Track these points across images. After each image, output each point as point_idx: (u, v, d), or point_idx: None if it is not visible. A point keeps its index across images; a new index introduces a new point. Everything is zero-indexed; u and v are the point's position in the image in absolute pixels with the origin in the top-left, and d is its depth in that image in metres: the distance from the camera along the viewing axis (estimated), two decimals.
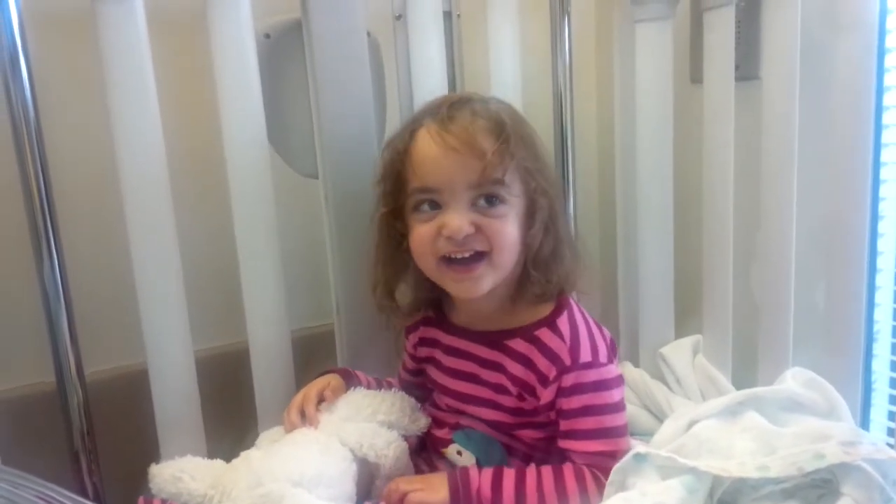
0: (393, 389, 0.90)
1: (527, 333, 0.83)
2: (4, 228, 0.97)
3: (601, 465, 0.79)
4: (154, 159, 0.89)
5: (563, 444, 0.81)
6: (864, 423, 1.02)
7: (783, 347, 1.02)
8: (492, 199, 0.78)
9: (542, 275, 0.82)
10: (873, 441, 0.77)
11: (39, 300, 0.85)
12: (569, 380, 0.80)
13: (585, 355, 0.81)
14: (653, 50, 1.12)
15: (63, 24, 1.03)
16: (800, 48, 0.96)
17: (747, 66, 1.11)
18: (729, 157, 1.05)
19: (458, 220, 0.77)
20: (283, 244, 0.98)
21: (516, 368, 0.83)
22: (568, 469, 0.78)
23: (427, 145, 0.79)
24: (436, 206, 0.79)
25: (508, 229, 0.79)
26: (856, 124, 0.95)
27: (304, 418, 0.85)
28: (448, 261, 0.79)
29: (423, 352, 0.93)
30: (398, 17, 1.08)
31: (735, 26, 1.03)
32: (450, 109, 0.80)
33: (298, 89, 1.00)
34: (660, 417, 1.07)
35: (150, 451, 0.90)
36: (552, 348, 0.81)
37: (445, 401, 0.89)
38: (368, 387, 0.92)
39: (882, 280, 1.04)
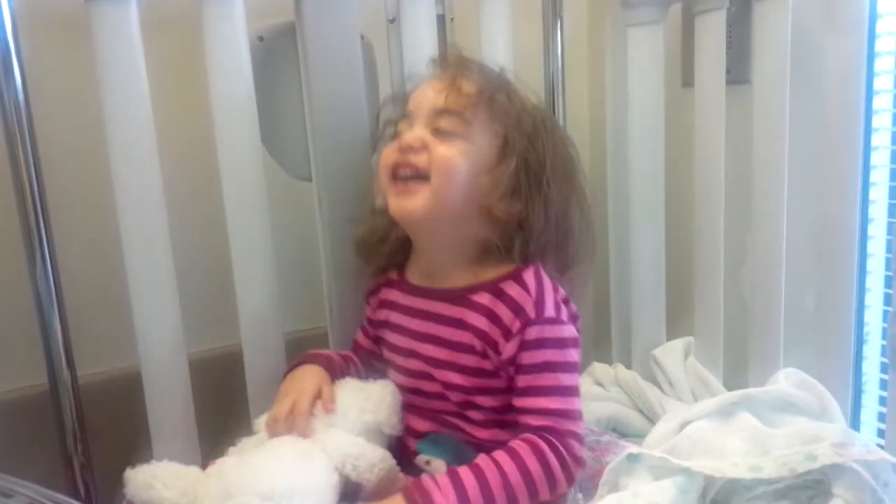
0: (382, 381, 0.87)
1: (492, 287, 0.83)
2: None
3: (557, 427, 0.77)
4: (147, 161, 0.88)
5: (519, 402, 0.80)
6: (855, 424, 1.03)
7: (774, 349, 1.02)
8: (444, 131, 0.81)
9: (522, 235, 0.83)
10: (865, 442, 0.78)
11: (32, 303, 0.85)
12: (532, 332, 0.79)
13: (550, 310, 0.81)
14: (644, 54, 1.13)
15: (56, 25, 1.02)
16: (790, 52, 0.97)
17: (738, 70, 1.12)
18: (720, 160, 1.06)
19: (408, 134, 0.82)
20: (276, 247, 0.98)
21: (480, 321, 0.82)
22: (525, 450, 0.76)
23: (421, 86, 0.86)
24: (399, 135, 0.85)
25: (451, 156, 0.81)
26: (846, 127, 0.95)
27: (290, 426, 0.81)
28: (394, 178, 0.83)
29: (383, 315, 0.92)
30: (392, 21, 1.08)
31: (726, 30, 1.04)
32: (460, 59, 0.87)
33: (292, 92, 1.00)
34: (652, 419, 1.08)
35: (143, 455, 0.89)
36: (517, 300, 0.81)
37: (407, 363, 0.87)
38: (341, 371, 0.89)
39: (872, 282, 1.05)
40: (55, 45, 1.03)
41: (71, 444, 0.87)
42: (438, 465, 0.83)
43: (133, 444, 0.91)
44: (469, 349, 0.82)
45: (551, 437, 0.77)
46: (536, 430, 0.77)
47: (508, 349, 0.80)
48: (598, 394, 1.17)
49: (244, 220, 0.95)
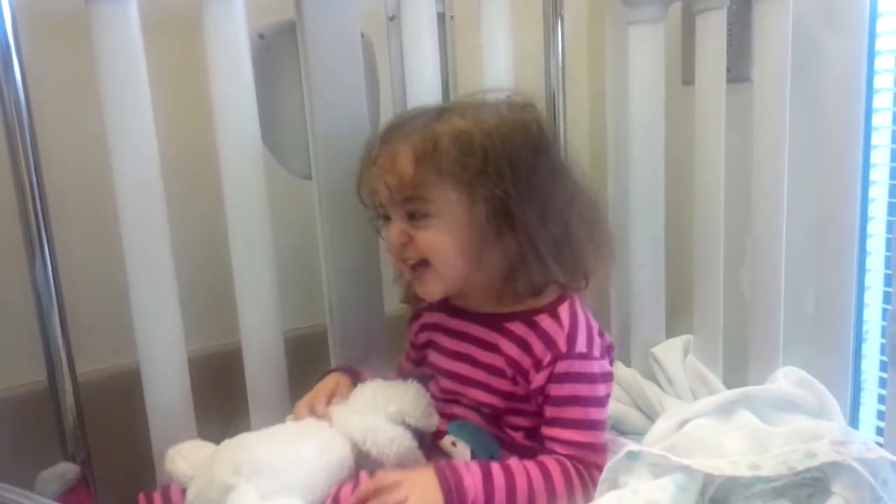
0: (409, 381, 0.89)
1: (526, 318, 0.84)
2: None
3: (583, 458, 0.80)
4: (147, 160, 0.88)
5: (547, 431, 0.82)
6: (854, 422, 1.03)
7: (773, 347, 1.03)
8: (415, 214, 0.82)
9: (522, 274, 0.82)
10: (864, 441, 0.78)
11: (32, 300, 0.85)
12: (562, 367, 0.81)
13: (581, 346, 0.82)
14: (645, 52, 1.13)
15: (56, 24, 1.02)
16: (791, 50, 0.97)
17: (739, 69, 1.12)
18: (720, 158, 1.06)
19: (390, 232, 0.83)
20: (276, 245, 0.98)
21: (512, 350, 0.84)
22: (554, 467, 0.78)
23: (375, 163, 0.85)
24: (389, 218, 0.85)
25: (437, 240, 0.81)
26: (846, 126, 0.96)
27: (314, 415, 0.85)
28: (409, 267, 0.84)
29: (423, 337, 0.93)
30: (392, 19, 1.08)
31: (727, 29, 1.04)
32: (388, 131, 0.85)
33: (292, 90, 1.00)
34: (651, 417, 1.07)
35: (142, 451, 0.90)
36: (550, 333, 0.82)
37: (442, 383, 0.90)
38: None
39: (871, 280, 1.05)
40: (55, 45, 1.03)
41: (70, 441, 0.87)
42: (463, 449, 0.85)
43: (132, 440, 0.91)
44: (501, 373, 0.84)
45: (579, 466, 0.79)
46: (564, 456, 0.80)
47: (538, 379, 0.82)
48: None
49: (244, 218, 0.95)
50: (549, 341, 0.82)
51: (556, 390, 0.81)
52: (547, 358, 0.81)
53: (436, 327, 0.92)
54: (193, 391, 0.94)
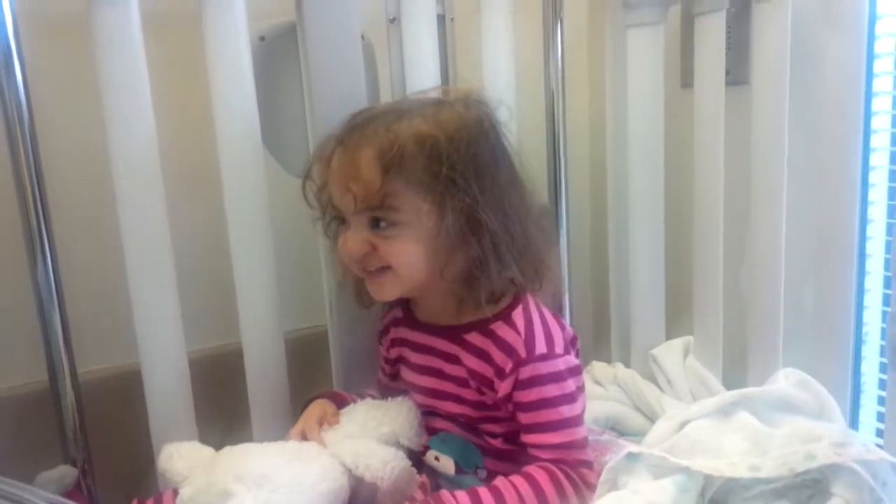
0: (399, 398, 0.90)
1: (483, 327, 0.83)
2: None
3: (567, 458, 0.79)
4: (148, 161, 0.88)
5: (526, 438, 0.81)
6: (854, 424, 1.03)
7: (773, 349, 1.03)
8: (379, 222, 0.80)
9: (484, 279, 0.81)
10: (864, 442, 0.78)
11: (32, 300, 0.85)
12: (525, 372, 0.80)
13: (541, 347, 0.81)
14: (644, 54, 1.13)
15: (57, 25, 1.02)
16: (790, 53, 0.98)
17: (737, 72, 1.12)
18: (719, 160, 1.06)
19: (351, 240, 0.81)
20: (276, 246, 0.98)
21: (472, 362, 0.83)
22: (542, 476, 0.77)
23: (332, 165, 0.82)
24: (344, 221, 0.83)
25: (403, 248, 0.80)
26: (845, 128, 0.96)
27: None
28: (365, 271, 0.83)
29: (395, 353, 0.93)
30: (392, 21, 1.08)
31: (726, 32, 1.04)
32: (350, 132, 0.82)
33: (292, 92, 1.00)
34: (651, 418, 1.08)
35: (143, 452, 0.90)
36: (508, 341, 0.81)
37: (417, 399, 0.90)
38: (353, 401, 0.92)
39: (871, 283, 1.05)
40: (56, 46, 1.03)
41: (71, 441, 0.87)
42: (447, 462, 0.86)
43: (133, 441, 0.91)
44: (466, 384, 0.84)
45: (565, 468, 0.79)
46: (548, 462, 0.79)
47: (503, 388, 0.81)
48: (597, 393, 1.17)
49: (244, 219, 0.96)
50: (508, 349, 0.81)
51: (524, 396, 0.80)
52: (508, 366, 0.80)
53: (403, 342, 0.91)
54: (194, 392, 0.95)
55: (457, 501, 0.74)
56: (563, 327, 0.85)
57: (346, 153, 0.80)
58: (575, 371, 0.83)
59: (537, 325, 0.83)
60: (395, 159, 0.78)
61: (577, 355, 0.86)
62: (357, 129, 0.82)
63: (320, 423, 0.86)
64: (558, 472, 0.78)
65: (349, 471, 0.78)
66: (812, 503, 0.76)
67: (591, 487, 0.79)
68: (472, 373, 0.83)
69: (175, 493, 0.78)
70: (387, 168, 0.78)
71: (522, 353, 0.80)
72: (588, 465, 0.81)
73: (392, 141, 0.78)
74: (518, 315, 0.83)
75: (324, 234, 0.90)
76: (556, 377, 0.81)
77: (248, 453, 0.78)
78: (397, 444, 0.84)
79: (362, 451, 0.79)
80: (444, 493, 0.76)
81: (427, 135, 0.79)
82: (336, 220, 0.86)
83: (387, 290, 0.83)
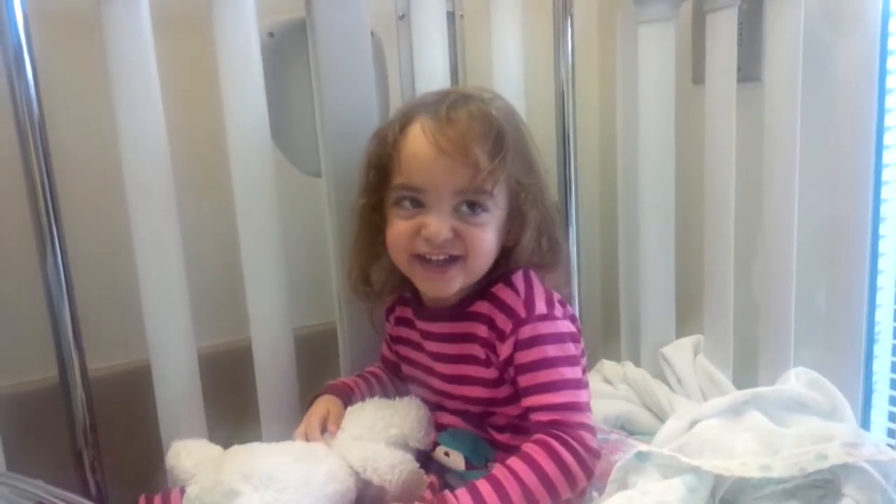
0: (408, 398, 0.89)
1: (485, 292, 0.83)
2: (8, 225, 0.98)
3: (565, 420, 0.77)
4: (158, 157, 0.89)
5: (526, 401, 0.80)
6: (865, 424, 1.02)
7: (784, 348, 1.02)
8: (474, 207, 0.79)
9: (515, 256, 0.84)
10: (875, 442, 0.77)
11: (43, 296, 0.85)
12: (525, 332, 0.79)
13: (541, 307, 0.81)
14: (655, 51, 1.13)
15: (68, 21, 1.03)
16: (802, 50, 0.97)
17: (749, 68, 1.11)
18: (730, 157, 1.05)
19: (437, 224, 0.78)
20: (285, 242, 0.98)
21: (482, 330, 0.83)
22: (539, 453, 0.75)
23: (419, 143, 0.78)
24: (418, 204, 0.80)
25: (486, 237, 0.80)
26: (858, 126, 0.95)
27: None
28: (422, 260, 0.80)
29: (401, 331, 0.93)
30: (401, 17, 1.08)
31: (737, 28, 1.04)
32: (449, 109, 0.79)
33: (302, 88, 1.00)
34: (661, 417, 1.07)
35: (152, 449, 0.90)
36: (508, 303, 0.81)
37: (426, 392, 0.89)
38: (363, 392, 0.92)
39: (883, 281, 1.05)
40: (67, 42, 1.04)
41: (81, 437, 0.87)
42: (457, 458, 0.85)
43: (142, 437, 0.91)
44: (477, 360, 0.83)
45: (562, 434, 0.76)
46: (546, 426, 0.77)
47: (504, 350, 0.80)
48: (606, 391, 1.17)
49: (254, 216, 0.96)
50: (508, 310, 0.81)
51: (523, 357, 0.79)
52: (509, 327, 0.80)
53: (410, 324, 0.91)
54: (203, 388, 0.95)
55: (458, 501, 0.73)
56: (562, 302, 0.85)
57: (449, 127, 0.77)
58: (575, 337, 0.82)
59: (537, 288, 0.83)
60: (504, 143, 0.78)
61: (582, 354, 0.85)
62: (454, 105, 0.79)
63: (323, 425, 0.86)
64: (556, 444, 0.75)
65: (356, 473, 0.78)
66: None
67: (594, 452, 0.77)
68: (483, 341, 0.82)
69: (183, 490, 0.78)
70: (492, 151, 0.77)
71: (522, 312, 0.80)
72: (589, 428, 0.78)
73: (500, 124, 0.79)
74: (518, 278, 0.83)
75: (358, 220, 0.87)
76: (557, 338, 0.80)
77: (255, 453, 0.78)
78: (405, 446, 0.83)
79: (370, 454, 0.78)
80: (447, 493, 0.74)
81: (505, 120, 0.80)
82: (405, 201, 0.80)
83: (455, 283, 0.81)
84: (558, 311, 0.83)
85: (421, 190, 0.79)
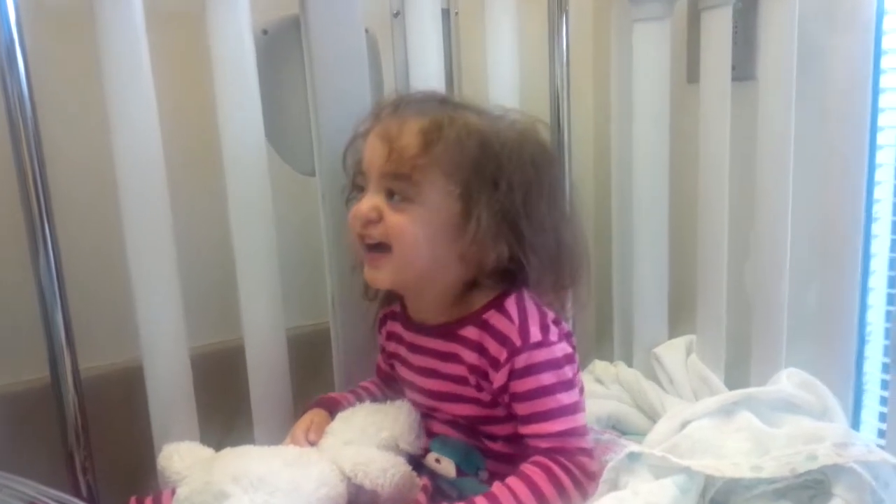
0: (399, 401, 0.89)
1: (476, 319, 0.82)
2: (0, 224, 0.97)
3: (566, 447, 0.78)
4: (151, 156, 0.88)
5: (524, 429, 0.80)
6: (856, 424, 1.03)
7: (776, 348, 1.02)
8: (394, 195, 0.79)
9: (496, 283, 0.82)
10: (866, 443, 0.78)
11: (35, 296, 0.85)
12: (521, 361, 0.78)
13: (535, 335, 0.80)
14: (650, 49, 1.13)
15: (60, 19, 1.02)
16: (796, 49, 0.97)
17: (744, 67, 1.11)
18: (724, 156, 1.05)
19: (364, 203, 0.80)
20: (279, 242, 0.98)
21: (471, 357, 0.82)
22: (539, 476, 0.76)
23: (371, 132, 0.82)
24: (363, 189, 0.82)
25: (408, 228, 0.78)
26: (852, 125, 0.95)
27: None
28: (364, 245, 0.82)
29: (391, 346, 0.93)
30: (396, 15, 1.08)
31: (732, 27, 1.04)
32: (402, 102, 0.83)
33: (296, 86, 0.99)
34: (653, 417, 1.07)
35: (144, 449, 0.90)
36: (501, 330, 0.80)
37: (417, 400, 0.89)
38: (351, 404, 0.91)
39: (875, 282, 1.05)
40: (59, 39, 1.03)
41: (72, 437, 0.87)
42: (448, 465, 0.85)
43: (134, 437, 0.91)
44: (465, 381, 0.83)
45: (562, 458, 0.77)
46: (546, 452, 0.78)
47: (498, 378, 0.79)
48: (598, 391, 1.17)
49: (247, 215, 0.95)
50: (502, 338, 0.80)
51: (520, 386, 0.79)
52: (503, 355, 0.79)
53: (399, 339, 0.91)
54: (195, 388, 0.95)
55: None
56: (558, 322, 0.84)
57: (396, 116, 0.81)
58: (571, 358, 0.82)
59: (531, 312, 0.81)
60: (440, 139, 0.78)
61: (572, 350, 0.84)
62: (414, 102, 0.83)
63: (307, 433, 0.86)
64: (556, 468, 0.76)
65: (348, 478, 0.78)
66: None
67: (591, 476, 0.77)
68: (472, 368, 0.82)
69: (174, 492, 0.78)
70: (429, 143, 0.78)
71: (517, 341, 0.79)
72: (588, 453, 0.79)
73: (445, 123, 0.79)
74: (511, 304, 0.81)
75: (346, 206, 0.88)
76: (553, 364, 0.79)
77: (246, 455, 0.78)
78: (397, 449, 0.83)
79: (361, 458, 0.78)
80: None
81: (481, 131, 0.80)
82: (357, 190, 0.84)
83: (381, 275, 0.81)
84: (553, 334, 0.81)
85: (363, 173, 0.82)
